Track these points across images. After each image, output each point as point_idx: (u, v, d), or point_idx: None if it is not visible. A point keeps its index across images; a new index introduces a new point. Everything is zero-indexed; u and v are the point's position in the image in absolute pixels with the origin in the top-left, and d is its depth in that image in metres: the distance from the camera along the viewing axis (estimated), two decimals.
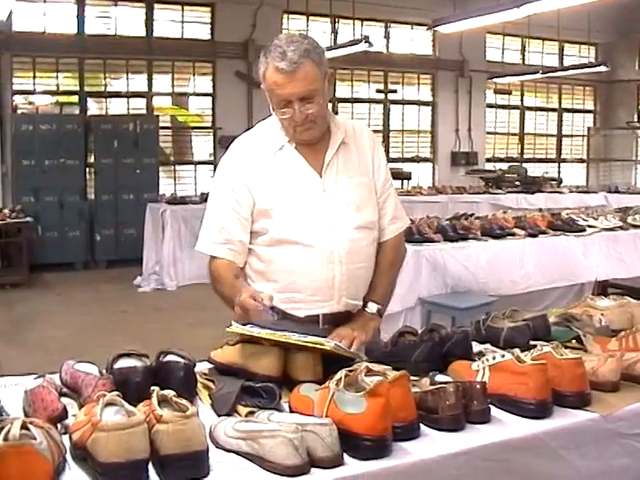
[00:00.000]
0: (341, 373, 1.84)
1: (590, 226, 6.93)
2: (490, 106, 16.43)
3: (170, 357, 2.17)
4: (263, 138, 2.69)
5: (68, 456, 1.64)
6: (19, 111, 11.76)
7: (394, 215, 2.81)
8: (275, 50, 2.46)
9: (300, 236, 2.58)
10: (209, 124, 13.34)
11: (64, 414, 1.83)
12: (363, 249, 2.67)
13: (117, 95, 12.59)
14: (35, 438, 1.49)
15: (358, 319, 2.65)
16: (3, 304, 8.74)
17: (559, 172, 17.32)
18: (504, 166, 15.26)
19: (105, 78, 12.42)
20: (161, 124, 12.34)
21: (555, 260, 6.45)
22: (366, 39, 10.60)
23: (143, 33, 12.48)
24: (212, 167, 13.13)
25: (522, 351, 2.12)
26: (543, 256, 6.41)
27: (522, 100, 17.05)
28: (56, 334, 7.25)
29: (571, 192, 13.23)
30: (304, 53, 2.44)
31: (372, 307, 2.69)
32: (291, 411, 1.95)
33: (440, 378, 2.03)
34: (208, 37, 13.04)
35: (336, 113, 13.04)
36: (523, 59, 16.51)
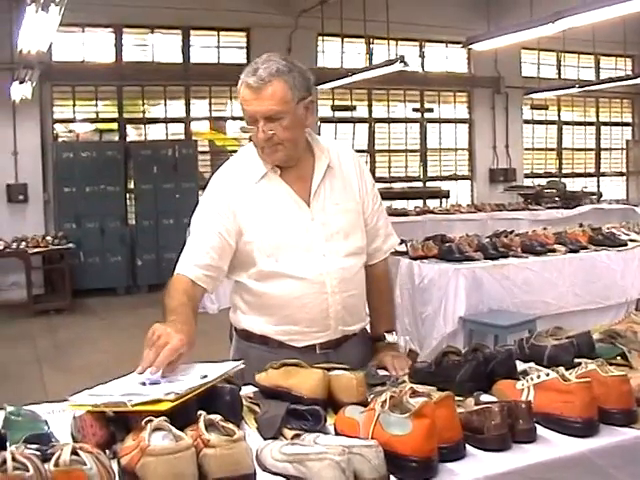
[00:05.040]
0: (386, 394, 1.83)
1: (632, 240, 6.85)
2: (527, 122, 16.30)
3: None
4: (246, 165, 2.64)
5: None
6: (60, 139, 11.96)
7: (387, 233, 2.83)
8: (251, 66, 2.45)
9: (290, 269, 2.53)
10: None
11: (112, 439, 1.85)
12: (354, 276, 2.64)
13: (155, 121, 12.74)
14: (85, 463, 1.50)
15: (386, 351, 2.70)
16: (47, 330, 8.85)
17: (598, 186, 17.12)
18: (543, 182, 15.13)
19: (143, 104, 12.59)
20: (199, 149, 12.44)
21: (591, 280, 6.36)
22: (401, 59, 10.60)
23: (180, 59, 12.64)
24: None
25: (566, 369, 2.10)
26: (580, 276, 6.31)
27: (559, 115, 16.91)
28: (100, 359, 7.30)
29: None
30: (275, 72, 2.40)
31: (392, 338, 2.74)
32: (336, 433, 1.95)
33: (485, 398, 2.03)
34: (244, 61, 13.09)
35: (373, 133, 13.11)
36: (559, 74, 16.36)
